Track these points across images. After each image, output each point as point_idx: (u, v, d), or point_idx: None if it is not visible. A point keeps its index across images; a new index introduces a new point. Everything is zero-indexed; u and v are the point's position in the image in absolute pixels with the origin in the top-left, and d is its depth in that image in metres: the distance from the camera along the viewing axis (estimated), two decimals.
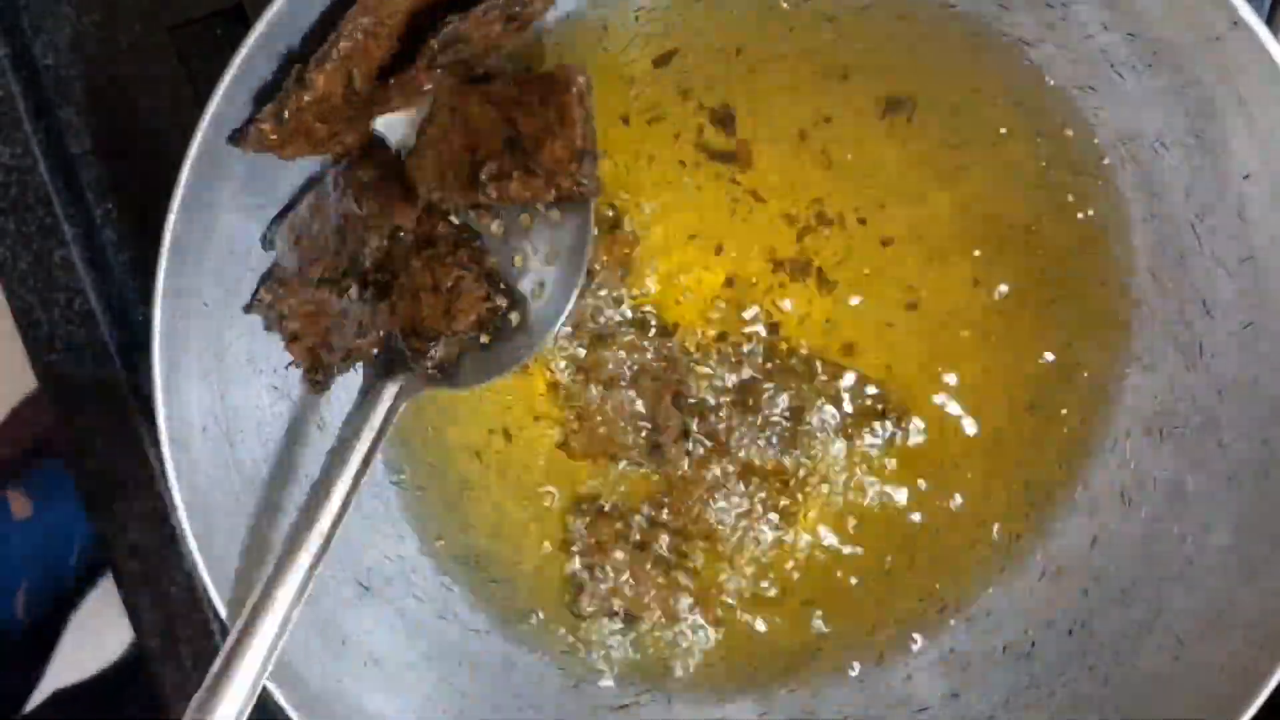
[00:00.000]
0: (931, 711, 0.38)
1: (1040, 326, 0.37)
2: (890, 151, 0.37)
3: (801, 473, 0.38)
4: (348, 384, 0.38)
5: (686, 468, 0.38)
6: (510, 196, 0.32)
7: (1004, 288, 0.37)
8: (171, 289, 0.32)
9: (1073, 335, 0.37)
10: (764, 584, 0.39)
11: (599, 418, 0.38)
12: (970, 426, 0.38)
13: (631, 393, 0.38)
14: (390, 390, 0.34)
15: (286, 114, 0.31)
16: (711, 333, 0.38)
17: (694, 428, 0.38)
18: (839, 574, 0.39)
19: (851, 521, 0.38)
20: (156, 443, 0.33)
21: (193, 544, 0.33)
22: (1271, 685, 0.32)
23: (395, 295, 0.34)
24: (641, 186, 0.37)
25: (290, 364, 0.36)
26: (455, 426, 0.39)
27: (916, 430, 0.38)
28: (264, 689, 0.32)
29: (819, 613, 0.39)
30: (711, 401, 0.38)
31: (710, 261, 0.38)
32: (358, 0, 0.31)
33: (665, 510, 0.39)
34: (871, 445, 0.38)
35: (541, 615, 0.39)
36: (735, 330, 0.38)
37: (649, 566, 0.39)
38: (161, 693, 0.40)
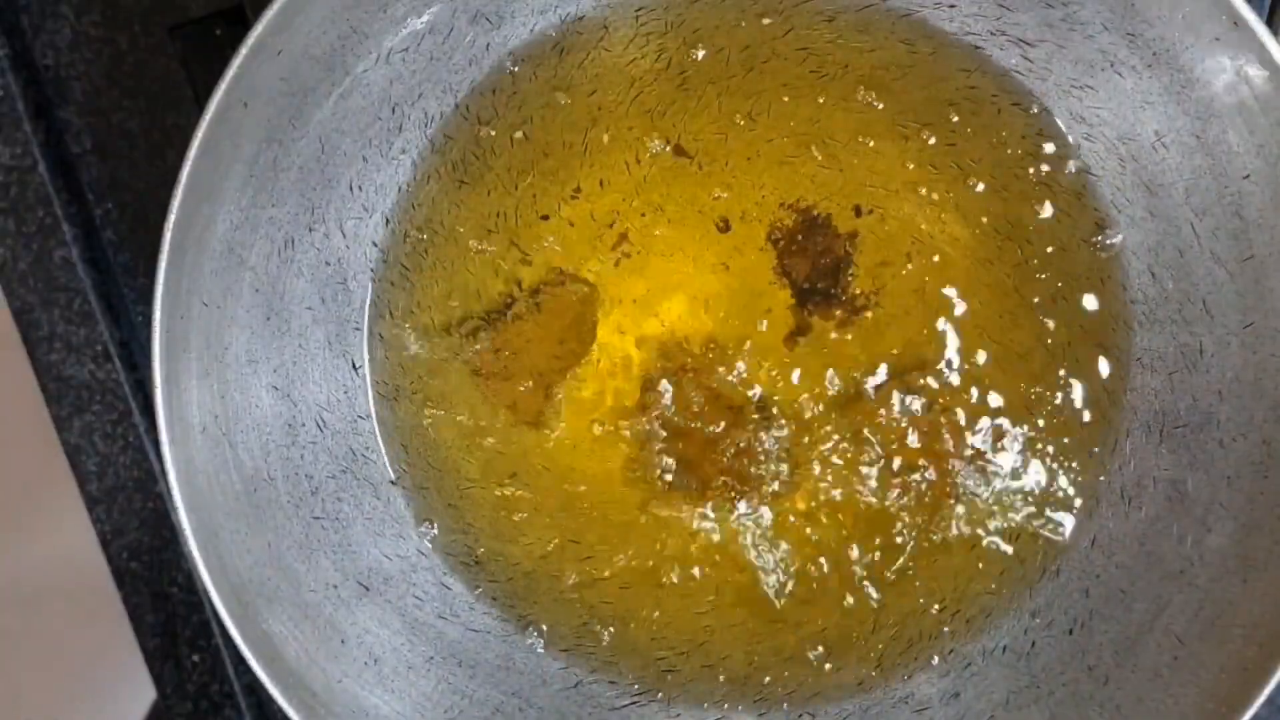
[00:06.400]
0: (931, 711, 0.38)
1: (1040, 326, 0.37)
2: (889, 151, 0.37)
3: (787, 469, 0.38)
4: (345, 382, 0.38)
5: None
6: None
7: (1005, 288, 0.37)
8: (171, 289, 0.32)
9: (1073, 335, 0.37)
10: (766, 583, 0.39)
11: None
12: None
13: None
14: None
15: None
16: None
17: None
18: (838, 574, 0.39)
19: (851, 522, 0.39)
20: (156, 443, 0.33)
21: (193, 544, 0.33)
22: (1271, 685, 0.32)
23: None
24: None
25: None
26: (453, 426, 0.39)
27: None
28: (264, 689, 0.32)
29: (817, 613, 0.39)
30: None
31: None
32: None
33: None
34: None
35: (542, 615, 0.39)
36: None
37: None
38: (162, 693, 0.40)
